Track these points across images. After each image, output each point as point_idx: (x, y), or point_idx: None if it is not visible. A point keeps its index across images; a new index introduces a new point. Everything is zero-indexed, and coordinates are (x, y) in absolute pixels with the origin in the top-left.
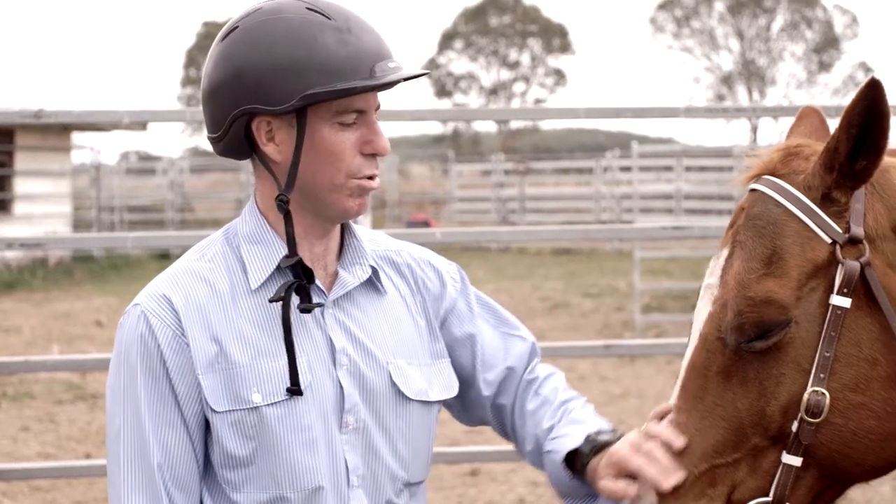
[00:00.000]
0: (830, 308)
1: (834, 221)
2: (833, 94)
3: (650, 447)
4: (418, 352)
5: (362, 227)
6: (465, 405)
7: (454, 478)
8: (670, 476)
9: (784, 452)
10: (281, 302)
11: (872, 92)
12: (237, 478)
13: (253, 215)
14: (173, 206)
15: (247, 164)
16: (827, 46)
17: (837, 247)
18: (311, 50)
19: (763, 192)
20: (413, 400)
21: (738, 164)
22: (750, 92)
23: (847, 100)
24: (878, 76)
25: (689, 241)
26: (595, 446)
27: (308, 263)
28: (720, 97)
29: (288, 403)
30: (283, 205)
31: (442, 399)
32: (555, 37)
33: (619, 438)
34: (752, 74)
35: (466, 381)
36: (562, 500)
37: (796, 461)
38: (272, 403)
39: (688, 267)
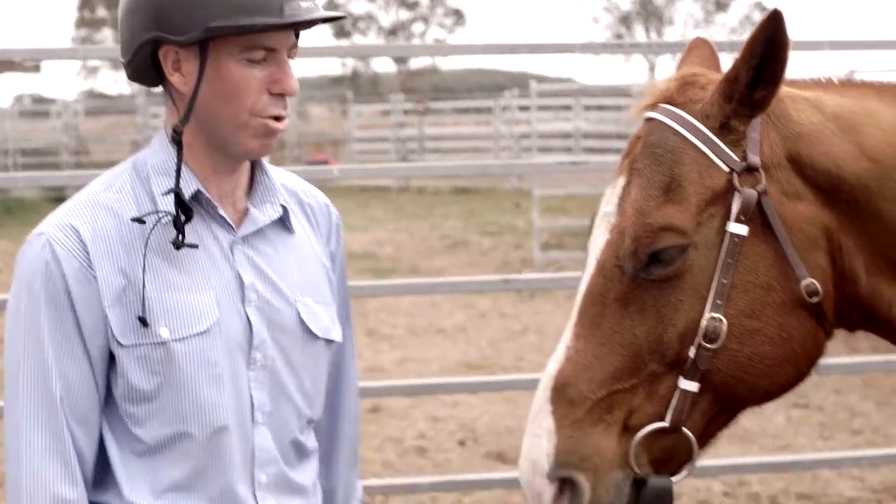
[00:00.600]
0: (727, 235)
1: (731, 150)
2: (730, 34)
3: None
4: (323, 291)
5: (272, 166)
6: None
7: None
8: None
9: (681, 378)
10: (182, 232)
11: (774, 23)
12: (140, 412)
13: (163, 147)
14: (68, 149)
15: (143, 106)
16: None
17: (735, 175)
18: None
19: (660, 121)
20: (319, 338)
21: (636, 102)
22: (648, 31)
23: (744, 38)
24: (779, 9)
25: (587, 179)
26: None
27: (215, 199)
28: (619, 36)
29: (195, 339)
30: (176, 136)
31: (340, 340)
32: None
33: None
34: (650, 14)
35: None
36: None
37: (693, 386)
38: (180, 339)
39: (586, 204)
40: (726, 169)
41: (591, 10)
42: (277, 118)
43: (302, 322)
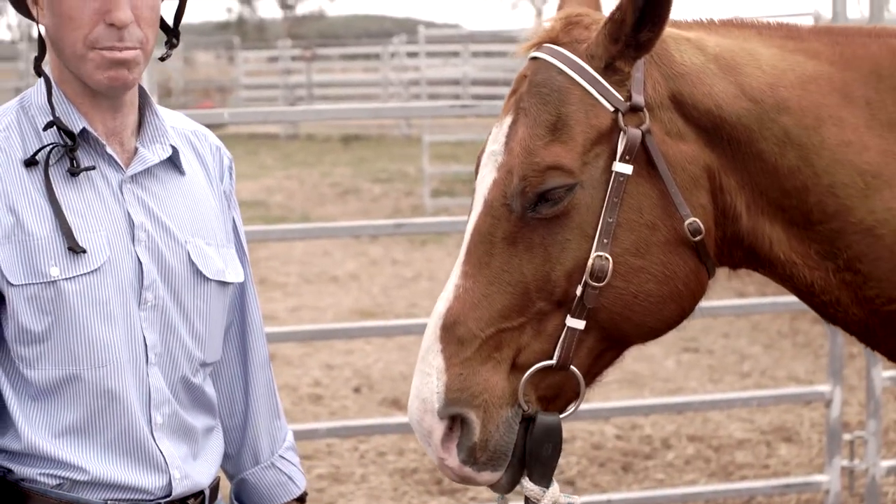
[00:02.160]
0: (613, 174)
1: (616, 90)
2: None
3: None
4: (216, 233)
5: (162, 108)
6: None
7: None
8: None
9: (568, 316)
10: (74, 167)
11: None
12: (31, 354)
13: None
14: None
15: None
16: None
17: (620, 115)
18: None
19: (545, 61)
20: (211, 280)
21: (522, 43)
22: None
23: None
24: None
25: (476, 126)
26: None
27: (102, 137)
28: None
29: (86, 278)
30: (36, 69)
31: (235, 282)
32: None
33: None
34: None
35: None
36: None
37: (579, 324)
38: (70, 278)
39: (475, 151)
40: (611, 109)
41: None
42: (118, 49)
43: (192, 263)
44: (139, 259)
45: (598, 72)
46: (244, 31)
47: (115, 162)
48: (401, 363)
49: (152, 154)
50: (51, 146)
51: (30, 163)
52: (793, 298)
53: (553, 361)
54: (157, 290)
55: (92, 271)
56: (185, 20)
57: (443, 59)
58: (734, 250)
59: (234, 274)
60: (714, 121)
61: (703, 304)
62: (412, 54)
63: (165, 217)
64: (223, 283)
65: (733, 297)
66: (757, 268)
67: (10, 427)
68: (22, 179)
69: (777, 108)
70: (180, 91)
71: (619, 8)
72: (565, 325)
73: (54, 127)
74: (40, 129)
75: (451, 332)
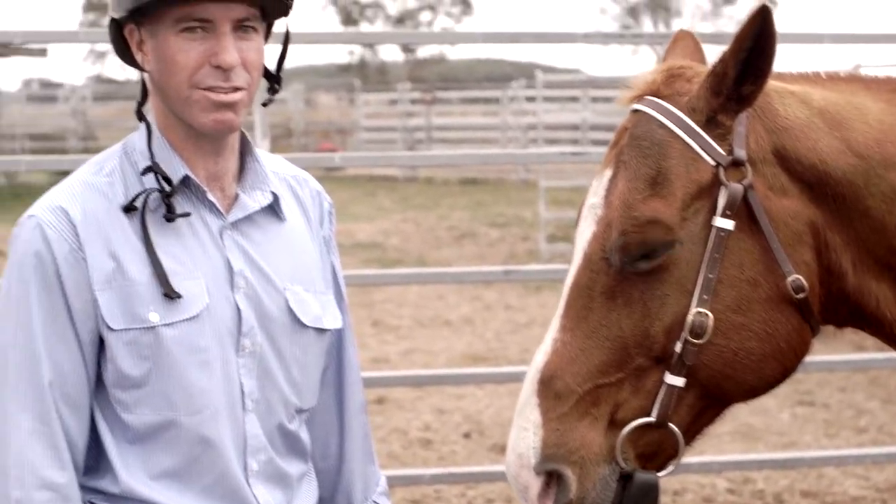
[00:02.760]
0: (714, 230)
1: (718, 144)
2: (738, 26)
3: None
4: (315, 279)
5: (263, 151)
6: None
7: None
8: None
9: (667, 373)
10: (173, 214)
11: (762, 18)
12: (129, 398)
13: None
14: (76, 135)
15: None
16: None
17: (721, 169)
18: None
19: (647, 113)
20: (309, 327)
21: (623, 93)
22: (655, 23)
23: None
24: (767, 3)
25: (593, 171)
26: None
27: (204, 183)
28: (626, 28)
29: (185, 324)
30: (138, 114)
31: (333, 328)
32: None
33: None
34: (658, 6)
35: None
36: None
37: (679, 381)
38: (169, 324)
39: None
40: (712, 163)
41: (599, 1)
42: (224, 91)
43: (290, 310)
44: (238, 306)
45: (699, 125)
46: (366, 74)
47: (216, 208)
48: (512, 409)
49: (253, 201)
50: (148, 191)
51: (129, 208)
52: None
53: (652, 418)
54: (256, 337)
55: (191, 318)
56: (308, 62)
57: (561, 104)
58: (839, 308)
59: (332, 320)
60: (819, 176)
61: (820, 357)
62: (531, 99)
63: (265, 264)
64: (321, 330)
65: (851, 350)
66: (863, 326)
67: (109, 470)
68: (123, 225)
69: (885, 164)
70: (301, 132)
71: (720, 61)
72: (664, 381)
73: (152, 172)
74: (144, 177)
75: (548, 387)
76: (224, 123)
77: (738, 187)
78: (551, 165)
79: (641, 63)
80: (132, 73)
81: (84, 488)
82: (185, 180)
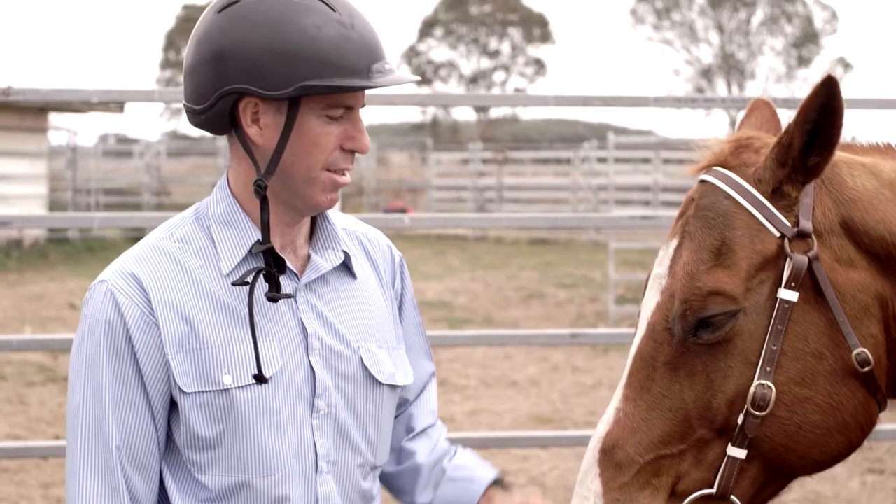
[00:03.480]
0: (778, 301)
1: (783, 215)
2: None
3: None
4: (387, 336)
5: (333, 210)
6: None
7: None
8: None
9: (729, 445)
10: (247, 286)
11: (828, 88)
12: (203, 459)
13: (225, 197)
14: (150, 190)
15: (224, 148)
16: (806, 41)
17: (786, 240)
18: (314, 40)
19: (713, 184)
20: (383, 384)
21: (691, 162)
22: (729, 85)
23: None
24: (833, 74)
25: (664, 233)
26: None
27: (278, 248)
28: (699, 90)
29: (258, 387)
30: (260, 190)
31: (405, 384)
32: (535, 26)
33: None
34: (732, 68)
35: None
36: None
37: (741, 454)
38: (242, 386)
39: None
40: (777, 234)
41: (673, 62)
42: (344, 172)
43: (365, 369)
44: (312, 368)
45: (765, 196)
46: (438, 133)
47: (290, 270)
48: (577, 472)
49: (325, 261)
50: (259, 270)
51: (238, 283)
52: None
53: (713, 490)
54: (330, 398)
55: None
56: (381, 120)
57: (633, 165)
58: None
59: (404, 377)
60: (887, 248)
61: (890, 426)
62: (602, 160)
63: (338, 323)
64: (394, 387)
65: None
66: None
67: None
68: (197, 289)
69: None
70: (372, 190)
71: (786, 132)
72: (726, 453)
73: (262, 250)
74: (216, 242)
75: (609, 456)
76: (333, 202)
77: (802, 259)
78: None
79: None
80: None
81: None
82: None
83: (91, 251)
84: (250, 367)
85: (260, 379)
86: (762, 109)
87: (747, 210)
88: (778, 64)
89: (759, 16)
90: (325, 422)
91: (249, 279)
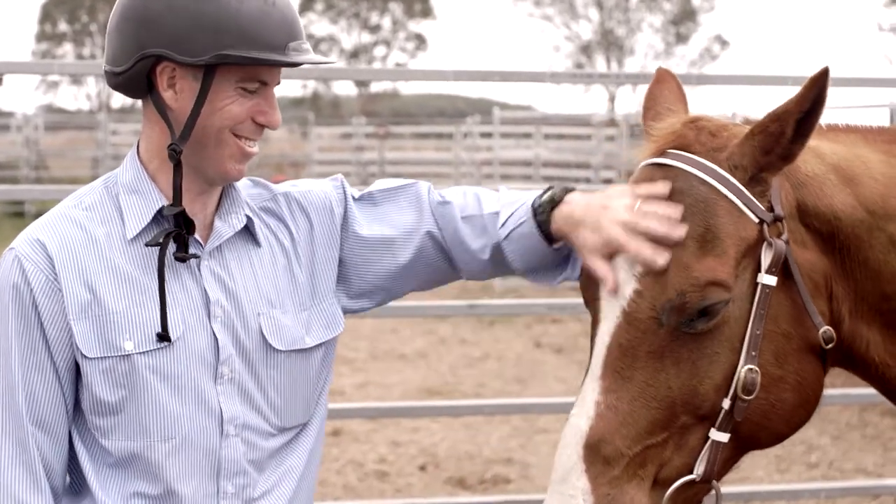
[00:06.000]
0: (759, 286)
1: (759, 201)
2: (690, 66)
3: (640, 223)
4: (297, 297)
5: (248, 179)
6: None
7: None
8: (661, 255)
9: (713, 429)
10: (157, 247)
11: (823, 80)
12: (106, 424)
13: (133, 164)
14: (28, 164)
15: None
16: (684, 18)
17: (765, 226)
18: (236, 12)
19: (682, 169)
20: (282, 351)
21: (596, 132)
22: (608, 61)
23: (704, 70)
24: (827, 65)
25: None
26: (554, 201)
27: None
28: (579, 66)
29: (160, 353)
30: (174, 154)
31: (322, 342)
32: (416, 1)
33: (564, 192)
34: (611, 44)
35: (425, 259)
36: (532, 281)
37: (724, 437)
38: (144, 352)
39: None
40: (756, 220)
41: (553, 38)
42: (252, 143)
43: (263, 337)
44: (215, 335)
45: (742, 183)
46: (319, 107)
47: (195, 239)
48: (467, 442)
49: (227, 227)
50: (170, 231)
51: (150, 244)
52: (863, 390)
53: (696, 476)
54: (234, 364)
55: (164, 346)
56: None
57: (515, 140)
58: (834, 352)
59: (323, 333)
60: (831, 230)
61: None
62: (485, 135)
63: (240, 290)
64: (303, 351)
65: None
66: (849, 367)
67: (88, 494)
68: (101, 256)
69: (886, 217)
70: (254, 165)
71: (776, 121)
72: (709, 437)
73: (175, 214)
74: (122, 209)
75: (595, 452)
76: (242, 174)
77: (781, 244)
78: None
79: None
80: (83, 104)
81: None
82: (162, 213)
83: None
84: (152, 332)
85: (163, 338)
86: (669, 81)
87: (727, 197)
88: (656, 41)
89: None
90: (230, 387)
91: (161, 240)
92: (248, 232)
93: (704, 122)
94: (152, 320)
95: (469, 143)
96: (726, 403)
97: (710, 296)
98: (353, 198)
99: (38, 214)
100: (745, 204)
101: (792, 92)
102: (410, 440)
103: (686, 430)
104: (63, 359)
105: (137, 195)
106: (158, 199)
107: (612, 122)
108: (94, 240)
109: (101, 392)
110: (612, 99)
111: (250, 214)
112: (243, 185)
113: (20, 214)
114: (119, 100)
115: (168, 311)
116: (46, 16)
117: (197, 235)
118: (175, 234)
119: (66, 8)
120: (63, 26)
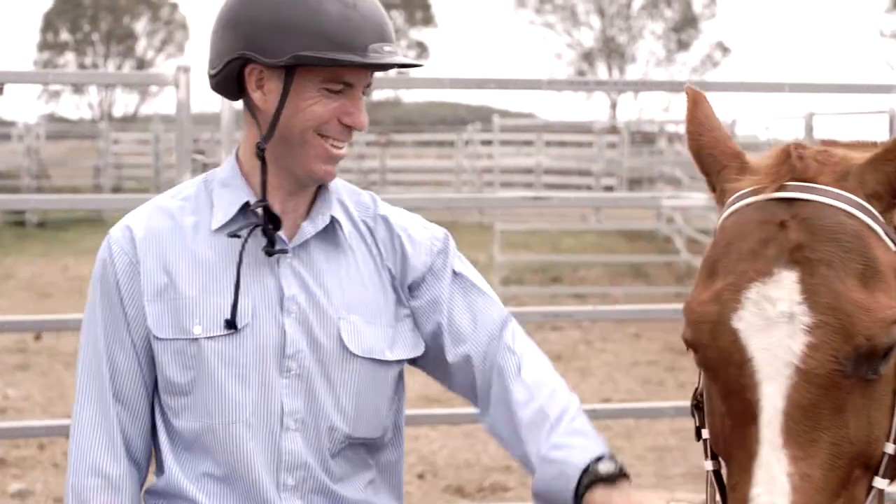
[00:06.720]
0: None
1: (891, 228)
2: (691, 73)
3: None
4: (381, 311)
5: (343, 183)
6: (443, 372)
7: None
8: None
9: (876, 478)
10: (238, 239)
11: None
12: (177, 405)
13: (230, 162)
14: (29, 173)
15: (105, 131)
16: (686, 25)
17: None
18: (315, 13)
19: (825, 203)
20: (358, 356)
21: (597, 139)
22: (610, 69)
23: (705, 77)
24: None
25: (548, 215)
26: (598, 478)
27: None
28: (581, 73)
29: (226, 339)
30: (260, 152)
31: (403, 359)
32: (417, 9)
33: (619, 469)
34: (613, 51)
35: (437, 346)
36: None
37: (884, 484)
38: (211, 337)
39: (547, 240)
40: (894, 249)
41: (554, 45)
42: (339, 146)
43: (341, 339)
44: (285, 329)
45: (881, 213)
46: None
47: (281, 238)
48: (466, 450)
49: (312, 227)
50: (254, 225)
51: (232, 235)
52: None
53: None
54: (303, 361)
55: (231, 333)
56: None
57: (516, 147)
58: None
59: (398, 352)
60: None
61: None
62: (486, 142)
63: (320, 291)
64: (380, 362)
65: None
66: None
67: (167, 471)
68: (184, 243)
69: None
70: None
71: None
72: (872, 486)
73: (261, 207)
74: (214, 202)
75: None
76: (330, 175)
77: None
78: (507, 208)
79: (595, 108)
80: (85, 113)
81: (150, 490)
82: (249, 207)
83: None
84: (220, 319)
85: (230, 325)
86: (703, 103)
87: (872, 228)
88: (658, 48)
89: (639, 0)
90: (296, 382)
91: (244, 233)
92: (337, 236)
93: (806, 149)
94: (223, 308)
95: (470, 151)
96: (889, 448)
97: (894, 334)
98: (454, 270)
99: (39, 224)
100: (886, 234)
101: (789, 98)
102: (409, 448)
103: (855, 483)
104: (140, 337)
105: (228, 189)
106: (246, 194)
107: (613, 130)
108: (180, 228)
109: (171, 373)
110: (613, 106)
111: (342, 219)
112: (349, 193)
113: (21, 224)
114: (121, 109)
115: (239, 300)
116: (48, 25)
117: (285, 234)
118: (258, 227)
119: (68, 17)
120: (65, 35)
